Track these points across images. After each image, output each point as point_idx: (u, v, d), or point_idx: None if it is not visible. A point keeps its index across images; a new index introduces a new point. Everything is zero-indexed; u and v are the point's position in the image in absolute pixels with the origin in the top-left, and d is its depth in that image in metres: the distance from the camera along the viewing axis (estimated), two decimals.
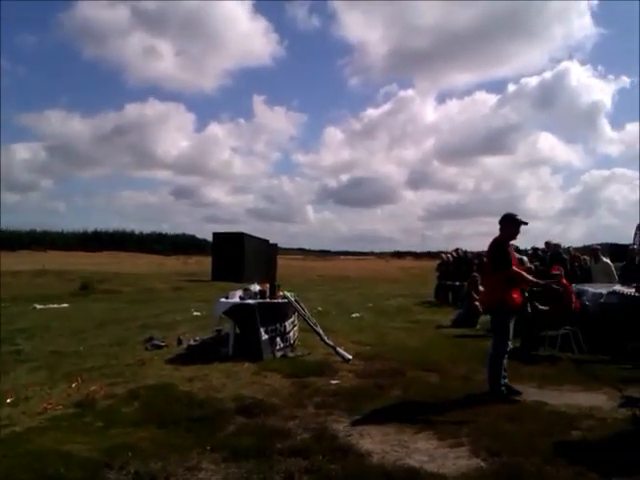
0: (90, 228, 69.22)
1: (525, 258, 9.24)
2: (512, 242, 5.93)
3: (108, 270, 27.10)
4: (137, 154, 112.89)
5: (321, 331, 7.64)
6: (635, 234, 14.45)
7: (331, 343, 7.46)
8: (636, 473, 3.58)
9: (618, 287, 8.54)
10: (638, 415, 4.78)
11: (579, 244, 26.94)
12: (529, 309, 7.83)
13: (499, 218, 5.74)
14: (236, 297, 7.64)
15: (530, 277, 6.22)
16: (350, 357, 7.22)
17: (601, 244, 15.25)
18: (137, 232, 72.51)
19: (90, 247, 58.12)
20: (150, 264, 38.76)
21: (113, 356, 7.40)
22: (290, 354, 7.52)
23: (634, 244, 12.55)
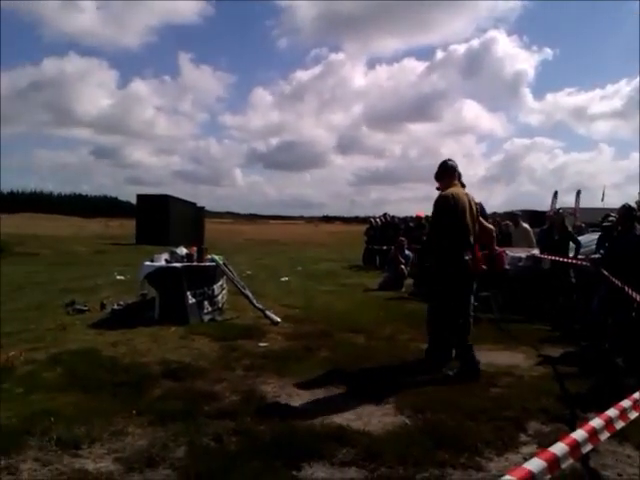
0: (5, 189, 65.70)
1: None
2: None
3: (25, 232, 25.78)
4: (55, 111, 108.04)
5: (250, 294, 7.62)
6: (552, 201, 15.25)
7: (260, 306, 7.46)
8: (551, 423, 3.83)
9: (536, 252, 8.99)
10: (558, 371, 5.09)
11: (501, 210, 28.03)
12: None
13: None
14: (162, 260, 7.47)
15: None
16: (279, 320, 7.25)
17: (521, 210, 15.91)
18: (55, 193, 69.47)
19: (5, 208, 55.11)
20: (70, 227, 37.23)
21: (32, 320, 7.07)
22: (218, 317, 7.47)
23: (551, 211, 13.22)
